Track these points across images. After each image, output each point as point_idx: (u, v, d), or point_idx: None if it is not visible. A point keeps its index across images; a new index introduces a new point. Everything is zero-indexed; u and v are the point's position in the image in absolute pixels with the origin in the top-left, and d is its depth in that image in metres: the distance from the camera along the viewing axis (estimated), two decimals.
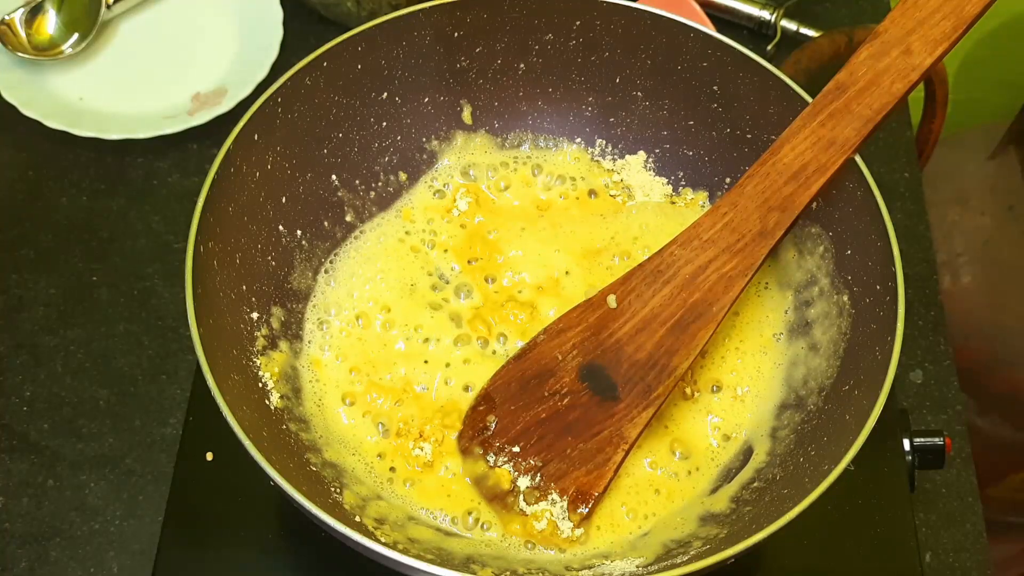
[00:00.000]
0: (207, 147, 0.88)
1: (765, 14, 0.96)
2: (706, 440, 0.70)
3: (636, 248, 0.79)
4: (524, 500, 0.66)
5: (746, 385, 0.73)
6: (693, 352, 0.65)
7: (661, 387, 0.65)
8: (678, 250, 0.66)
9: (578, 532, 0.65)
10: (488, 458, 0.67)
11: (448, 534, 0.66)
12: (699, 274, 0.65)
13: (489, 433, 0.67)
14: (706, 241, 0.66)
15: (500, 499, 0.66)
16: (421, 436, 0.70)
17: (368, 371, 0.73)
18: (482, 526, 0.67)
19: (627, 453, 0.65)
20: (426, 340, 0.74)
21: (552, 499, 0.66)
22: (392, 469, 0.69)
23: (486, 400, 0.69)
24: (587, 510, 0.65)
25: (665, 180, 0.81)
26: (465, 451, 0.68)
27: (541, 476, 0.66)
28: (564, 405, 0.66)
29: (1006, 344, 1.02)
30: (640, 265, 0.68)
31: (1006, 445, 1.01)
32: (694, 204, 0.80)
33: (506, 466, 0.67)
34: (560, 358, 0.67)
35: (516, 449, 0.67)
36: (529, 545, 0.66)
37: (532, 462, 0.66)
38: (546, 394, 0.67)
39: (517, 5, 0.75)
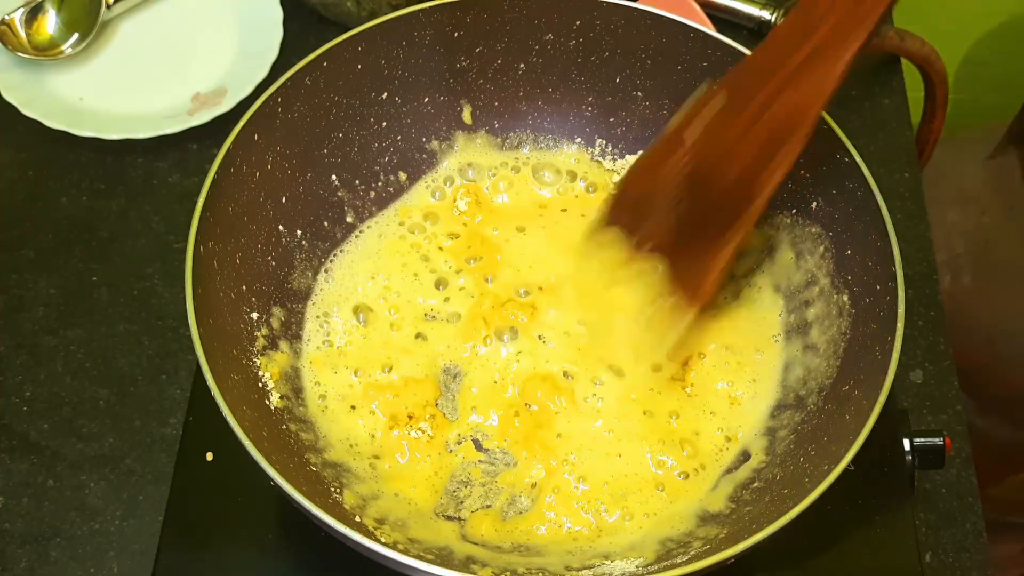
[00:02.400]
0: (207, 147, 0.88)
1: (765, 14, 0.96)
2: (711, 439, 0.70)
3: None
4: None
5: (745, 385, 0.73)
6: (787, 163, 0.61)
7: (759, 198, 0.62)
8: (774, 47, 0.61)
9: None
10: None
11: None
12: (796, 74, 0.60)
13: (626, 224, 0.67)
14: (798, 34, 0.60)
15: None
16: (417, 422, 0.70)
17: (368, 370, 0.73)
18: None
19: (727, 260, 0.65)
20: (426, 339, 0.75)
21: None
22: (390, 467, 0.69)
23: (611, 208, 0.69)
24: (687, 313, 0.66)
25: None
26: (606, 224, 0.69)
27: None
28: (676, 216, 0.65)
29: (1006, 344, 1.02)
30: (744, 62, 0.64)
31: (1006, 445, 1.01)
32: None
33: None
34: (673, 170, 0.65)
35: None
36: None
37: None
38: (658, 206, 0.65)
39: (517, 5, 0.75)
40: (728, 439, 0.70)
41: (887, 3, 0.58)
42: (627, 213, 0.68)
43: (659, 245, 0.67)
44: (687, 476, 0.69)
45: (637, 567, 0.64)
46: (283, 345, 0.71)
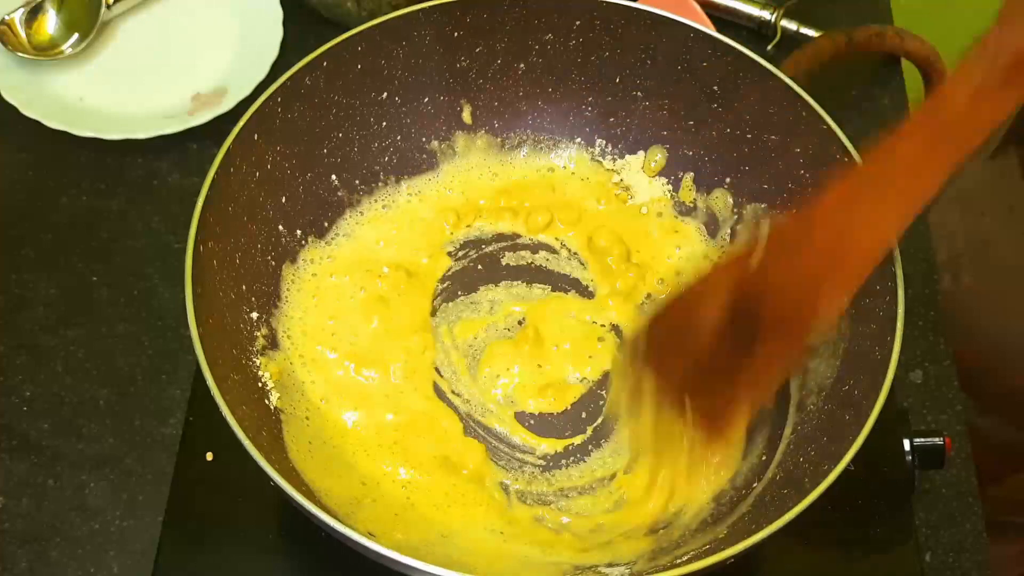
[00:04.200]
0: (207, 147, 0.88)
1: (765, 14, 0.96)
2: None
3: (636, 247, 0.79)
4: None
5: None
6: (832, 310, 0.59)
7: (794, 341, 0.59)
8: (828, 204, 0.58)
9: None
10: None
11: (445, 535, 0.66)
12: (848, 230, 0.57)
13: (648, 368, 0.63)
14: (855, 195, 0.58)
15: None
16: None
17: (368, 369, 0.73)
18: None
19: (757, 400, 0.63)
20: (423, 337, 0.75)
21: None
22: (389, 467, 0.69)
23: (646, 338, 0.63)
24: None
25: (665, 180, 0.81)
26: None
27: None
28: (708, 354, 0.60)
29: (1006, 344, 1.01)
30: (787, 223, 0.61)
31: (1006, 445, 1.01)
32: (693, 203, 0.80)
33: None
34: (707, 310, 0.59)
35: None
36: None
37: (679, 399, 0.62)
38: (690, 344, 0.60)
39: (517, 5, 0.75)
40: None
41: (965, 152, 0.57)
42: (655, 349, 0.63)
43: (684, 385, 0.62)
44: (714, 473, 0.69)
45: (637, 567, 0.64)
46: (283, 345, 0.71)
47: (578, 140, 0.82)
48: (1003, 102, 0.55)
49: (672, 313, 0.61)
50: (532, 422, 0.72)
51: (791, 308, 0.58)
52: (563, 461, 0.71)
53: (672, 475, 0.68)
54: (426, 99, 0.79)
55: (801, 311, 0.58)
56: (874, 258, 0.58)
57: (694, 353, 0.60)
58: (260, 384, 0.68)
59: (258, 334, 0.70)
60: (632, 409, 0.63)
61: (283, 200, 0.73)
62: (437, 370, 0.74)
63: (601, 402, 0.73)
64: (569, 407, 0.73)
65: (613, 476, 0.70)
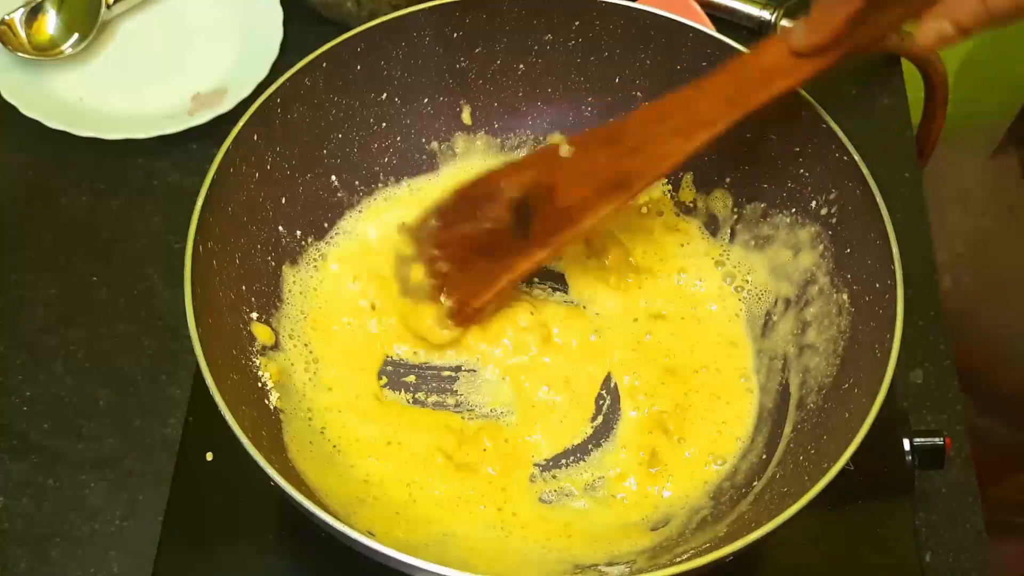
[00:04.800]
0: (207, 147, 0.88)
1: (765, 14, 0.96)
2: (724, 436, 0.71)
3: (636, 246, 0.79)
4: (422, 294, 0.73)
5: (744, 385, 0.73)
6: (601, 212, 0.69)
7: (559, 235, 0.70)
8: (635, 119, 0.69)
9: (446, 333, 0.73)
10: (418, 254, 0.73)
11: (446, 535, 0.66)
12: (642, 145, 0.68)
13: (426, 234, 0.73)
14: (659, 116, 0.68)
15: (408, 288, 0.74)
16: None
17: (367, 368, 0.73)
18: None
19: (510, 283, 0.72)
20: (425, 337, 0.75)
21: (442, 300, 0.72)
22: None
23: (437, 208, 0.73)
24: (460, 319, 0.73)
25: (665, 180, 0.81)
26: (409, 242, 0.74)
27: (445, 280, 0.72)
28: (486, 229, 0.71)
29: (1006, 344, 1.02)
30: (602, 126, 0.72)
31: (1006, 445, 1.01)
32: (693, 203, 0.80)
33: (424, 264, 0.73)
34: (503, 188, 0.70)
35: (436, 253, 0.72)
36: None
37: (442, 267, 0.72)
38: (478, 215, 0.71)
39: (517, 5, 0.76)
40: (722, 436, 0.70)
41: (731, 121, 0.67)
42: (459, 208, 0.72)
43: (466, 248, 0.72)
44: (715, 467, 0.69)
45: (636, 565, 0.64)
46: (282, 345, 0.71)
47: None
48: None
49: (470, 188, 0.71)
50: (532, 421, 0.72)
51: (569, 205, 0.69)
52: (563, 460, 0.71)
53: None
54: (426, 99, 0.79)
55: (580, 207, 0.69)
56: (651, 180, 0.69)
57: (471, 223, 0.71)
58: (260, 384, 0.68)
59: (258, 334, 0.70)
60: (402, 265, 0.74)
61: (283, 200, 0.73)
62: (435, 368, 0.74)
63: (600, 401, 0.73)
64: (568, 407, 0.73)
65: (612, 475, 0.70)
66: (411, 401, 0.73)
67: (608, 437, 0.72)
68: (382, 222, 0.78)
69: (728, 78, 0.67)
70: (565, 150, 0.70)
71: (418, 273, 0.73)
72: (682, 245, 0.79)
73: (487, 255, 0.71)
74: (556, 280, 0.78)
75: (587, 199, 0.69)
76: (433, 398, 0.73)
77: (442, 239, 0.72)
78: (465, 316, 0.73)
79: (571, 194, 0.69)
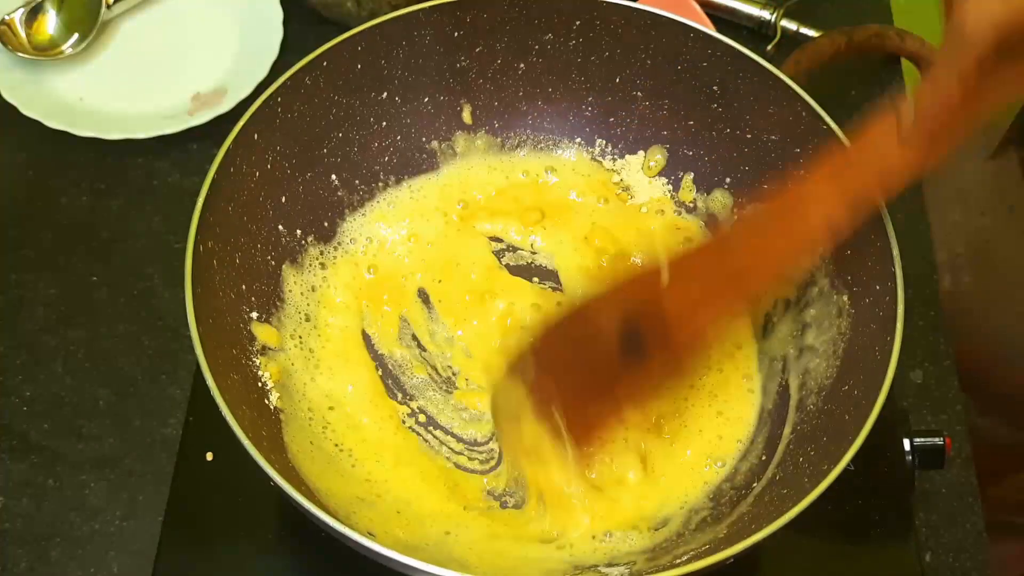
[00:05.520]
0: (207, 147, 0.88)
1: (765, 14, 0.96)
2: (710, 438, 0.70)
3: (636, 246, 0.79)
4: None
5: (744, 385, 0.73)
6: (717, 333, 0.66)
7: (686, 360, 0.66)
8: (736, 232, 0.65)
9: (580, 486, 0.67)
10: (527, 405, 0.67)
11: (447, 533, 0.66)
12: (754, 260, 0.62)
13: (528, 381, 0.67)
14: (763, 227, 0.63)
15: (527, 448, 0.67)
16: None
17: (368, 368, 0.73)
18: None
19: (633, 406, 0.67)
20: (423, 336, 0.75)
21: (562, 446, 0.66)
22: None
23: (533, 351, 0.67)
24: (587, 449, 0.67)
25: (665, 180, 0.81)
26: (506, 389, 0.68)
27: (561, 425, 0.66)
28: (594, 361, 0.65)
29: (1006, 344, 1.01)
30: (701, 243, 0.67)
31: (1006, 445, 1.01)
32: (693, 203, 0.80)
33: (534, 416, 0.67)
34: (603, 321, 0.65)
35: (544, 398, 0.66)
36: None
37: (555, 414, 0.66)
38: (582, 350, 0.66)
39: (517, 5, 0.75)
40: (722, 439, 0.70)
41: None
42: (556, 347, 0.67)
43: (574, 385, 0.67)
44: (716, 468, 0.69)
45: (636, 566, 0.64)
46: (283, 344, 0.71)
47: (578, 140, 0.82)
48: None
49: (567, 325, 0.66)
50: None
51: (683, 329, 0.63)
52: None
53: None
54: (426, 99, 0.79)
55: (692, 333, 0.63)
56: (763, 291, 0.65)
57: (579, 363, 0.65)
58: (260, 384, 0.68)
59: (258, 334, 0.70)
60: (510, 420, 0.67)
61: (283, 200, 0.73)
62: (435, 368, 0.74)
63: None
64: None
65: (611, 474, 0.70)
66: (413, 412, 0.73)
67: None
68: (382, 221, 0.79)
69: (840, 178, 0.61)
70: (664, 277, 0.63)
71: (530, 429, 0.67)
72: (682, 244, 0.79)
73: (600, 388, 0.66)
74: (554, 279, 0.78)
75: (703, 324, 0.63)
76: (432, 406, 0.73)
77: (545, 381, 0.66)
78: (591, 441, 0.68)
79: (685, 322, 0.63)
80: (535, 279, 0.78)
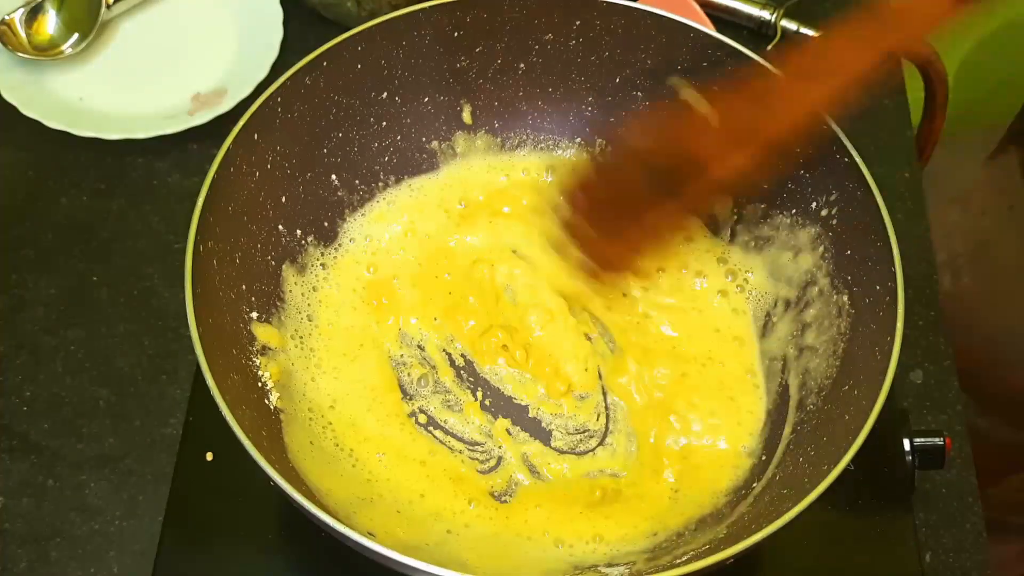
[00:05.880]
0: (207, 147, 0.88)
1: (765, 14, 0.96)
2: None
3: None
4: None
5: (744, 385, 0.73)
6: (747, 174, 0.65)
7: (711, 196, 0.70)
8: (783, 68, 0.65)
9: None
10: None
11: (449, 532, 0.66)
12: (786, 100, 0.64)
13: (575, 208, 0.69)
14: (798, 69, 0.65)
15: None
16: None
17: (369, 369, 0.73)
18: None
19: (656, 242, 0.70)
20: (423, 336, 0.75)
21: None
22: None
23: (581, 180, 0.70)
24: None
25: None
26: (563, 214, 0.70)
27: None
28: (627, 191, 0.68)
29: (1006, 344, 1.01)
30: (738, 81, 0.67)
31: (1006, 445, 1.01)
32: None
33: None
34: (646, 149, 0.67)
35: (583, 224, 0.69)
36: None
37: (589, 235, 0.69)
38: (617, 179, 0.68)
39: (517, 5, 0.75)
40: (738, 440, 0.70)
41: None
42: (595, 174, 0.71)
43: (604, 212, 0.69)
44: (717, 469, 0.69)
45: (636, 566, 0.64)
46: (283, 344, 0.71)
47: (578, 140, 0.82)
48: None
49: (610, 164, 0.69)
50: (531, 421, 0.72)
51: (720, 160, 0.64)
52: (563, 460, 0.71)
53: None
54: (426, 99, 0.79)
55: (729, 163, 0.64)
56: (800, 131, 0.65)
57: (620, 190, 0.67)
58: (260, 384, 0.68)
59: (258, 334, 0.70)
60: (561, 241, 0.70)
61: (283, 200, 0.73)
62: (435, 368, 0.74)
63: (598, 402, 0.73)
64: (566, 407, 0.73)
65: (611, 476, 0.70)
66: (413, 412, 0.73)
67: (607, 439, 0.72)
68: (382, 221, 0.78)
69: (864, 25, 0.62)
70: (702, 109, 0.66)
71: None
72: (684, 241, 0.79)
73: (628, 216, 0.68)
74: (554, 279, 0.78)
75: (735, 164, 0.65)
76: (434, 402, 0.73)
77: (589, 209, 0.69)
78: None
79: (719, 161, 0.65)
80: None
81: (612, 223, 0.69)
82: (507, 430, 0.72)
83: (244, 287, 0.70)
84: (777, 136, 0.64)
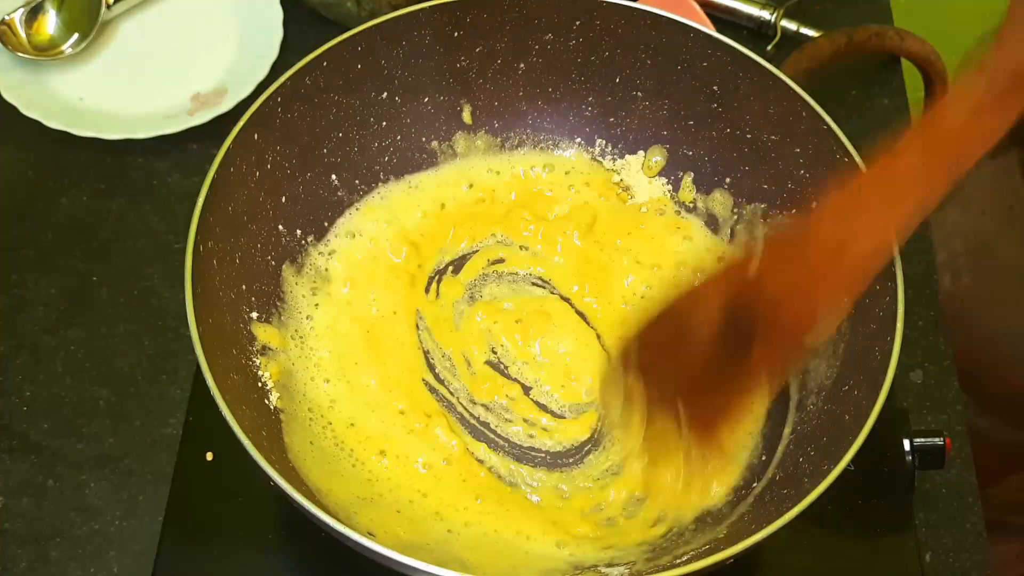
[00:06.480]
0: (207, 147, 0.88)
1: (765, 14, 0.96)
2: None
3: (637, 246, 0.79)
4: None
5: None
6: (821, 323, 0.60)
7: (787, 352, 0.61)
8: (825, 212, 0.59)
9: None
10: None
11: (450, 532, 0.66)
12: (843, 245, 0.57)
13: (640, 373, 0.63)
14: (850, 207, 0.59)
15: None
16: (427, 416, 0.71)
17: (369, 368, 0.73)
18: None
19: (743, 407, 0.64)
20: (424, 336, 0.75)
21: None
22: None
23: (637, 349, 0.63)
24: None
25: (665, 180, 0.81)
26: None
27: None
28: (697, 360, 0.61)
29: (1006, 344, 1.01)
30: (782, 231, 0.63)
31: (1006, 445, 1.01)
32: (693, 203, 0.80)
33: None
34: (700, 317, 0.60)
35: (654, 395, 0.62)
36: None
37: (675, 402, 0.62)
38: (682, 350, 0.61)
39: (517, 5, 0.75)
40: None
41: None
42: (650, 355, 0.63)
43: (677, 391, 0.62)
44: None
45: (636, 567, 0.64)
46: (283, 344, 0.71)
47: (578, 140, 0.82)
48: (1002, 116, 0.55)
49: (666, 319, 0.61)
50: (532, 422, 0.72)
51: (787, 314, 0.58)
52: (562, 461, 0.71)
53: (668, 485, 0.67)
54: (426, 99, 0.79)
55: (797, 317, 0.58)
56: (873, 266, 0.59)
57: (687, 360, 0.60)
58: (260, 384, 0.68)
59: (258, 334, 0.70)
60: (624, 418, 0.63)
61: (283, 200, 0.73)
62: (436, 366, 0.74)
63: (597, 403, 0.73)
64: (566, 408, 0.73)
65: (612, 477, 0.70)
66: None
67: (608, 440, 0.72)
68: (382, 221, 0.78)
69: (920, 146, 0.58)
70: (752, 268, 0.59)
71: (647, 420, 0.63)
72: (683, 241, 0.79)
73: (710, 387, 0.61)
74: (554, 279, 0.78)
75: (802, 313, 0.58)
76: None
77: (656, 387, 0.62)
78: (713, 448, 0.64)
79: (779, 299, 0.58)
80: (534, 284, 0.78)
81: (695, 384, 0.61)
82: (509, 427, 0.72)
83: (244, 287, 0.70)
84: (835, 273, 0.58)
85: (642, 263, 0.78)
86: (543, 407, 0.73)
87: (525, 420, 0.72)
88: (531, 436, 0.72)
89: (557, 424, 0.72)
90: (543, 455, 0.71)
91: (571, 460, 0.71)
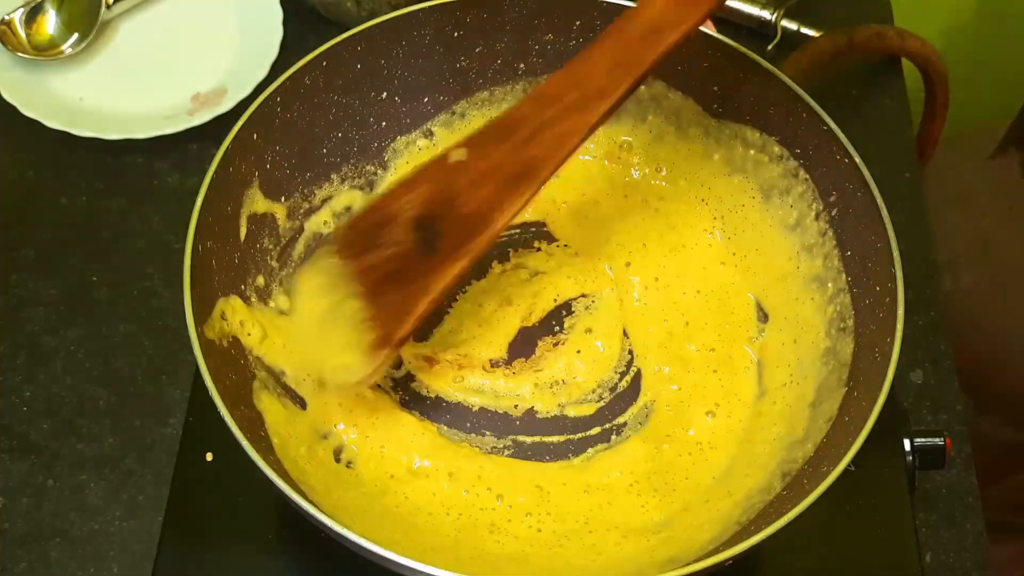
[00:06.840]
0: (207, 147, 0.88)
1: (765, 14, 0.96)
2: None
3: (638, 242, 0.79)
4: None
5: (744, 385, 0.73)
6: (512, 208, 0.64)
7: (473, 241, 0.65)
8: (526, 106, 0.65)
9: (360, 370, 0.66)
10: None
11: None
12: (539, 131, 0.64)
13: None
14: (550, 97, 0.64)
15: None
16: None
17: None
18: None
19: (429, 304, 0.65)
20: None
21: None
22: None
23: (336, 241, 0.68)
24: (382, 352, 0.66)
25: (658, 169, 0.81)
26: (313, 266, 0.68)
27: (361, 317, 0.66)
28: (390, 254, 0.65)
29: (1006, 344, 1.02)
30: (492, 120, 0.67)
31: (1006, 445, 1.01)
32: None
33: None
34: (398, 209, 0.66)
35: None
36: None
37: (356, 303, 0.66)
38: (380, 243, 0.66)
39: (517, 5, 0.75)
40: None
41: (627, 87, 0.64)
42: (357, 240, 0.67)
43: (374, 278, 0.66)
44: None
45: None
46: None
47: None
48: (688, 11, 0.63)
49: (375, 210, 0.66)
50: (533, 422, 0.72)
51: (478, 206, 0.64)
52: (562, 461, 0.71)
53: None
54: (426, 99, 0.79)
55: (488, 209, 0.64)
56: (560, 152, 0.64)
57: (384, 249, 0.65)
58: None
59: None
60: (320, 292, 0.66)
61: (283, 200, 0.73)
62: (436, 364, 0.74)
63: (599, 402, 0.73)
64: (567, 409, 0.73)
65: (612, 478, 0.70)
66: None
67: (609, 440, 0.72)
68: None
69: (614, 42, 0.64)
70: (456, 155, 0.65)
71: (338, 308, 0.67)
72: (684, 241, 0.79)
73: (398, 281, 0.66)
74: (554, 279, 0.78)
75: (492, 199, 0.64)
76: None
77: (348, 273, 0.66)
78: (386, 349, 0.66)
79: (474, 198, 0.64)
80: (534, 284, 0.78)
81: (378, 290, 0.66)
82: (512, 417, 0.72)
83: (243, 287, 0.69)
84: (529, 166, 0.64)
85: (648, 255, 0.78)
86: None
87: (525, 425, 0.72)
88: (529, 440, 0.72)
89: (553, 428, 0.72)
90: (541, 459, 0.71)
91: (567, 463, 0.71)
